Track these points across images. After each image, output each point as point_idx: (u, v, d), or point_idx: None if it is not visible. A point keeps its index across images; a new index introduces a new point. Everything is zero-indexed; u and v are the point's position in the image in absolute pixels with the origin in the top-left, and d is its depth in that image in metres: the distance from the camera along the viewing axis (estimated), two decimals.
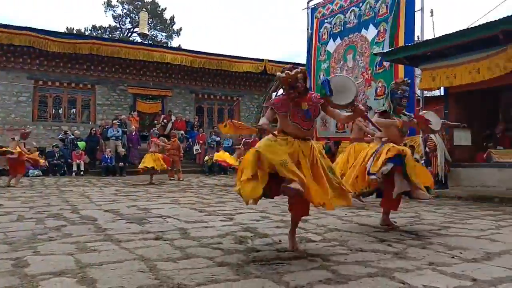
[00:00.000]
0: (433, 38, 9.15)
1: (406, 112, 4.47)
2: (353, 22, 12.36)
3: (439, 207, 6.36)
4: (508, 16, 7.27)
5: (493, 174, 8.29)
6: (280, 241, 3.55)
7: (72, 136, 14.92)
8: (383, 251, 3.25)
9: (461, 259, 3.01)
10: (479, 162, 8.88)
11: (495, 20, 7.45)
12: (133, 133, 15.57)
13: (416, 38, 10.33)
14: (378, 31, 11.37)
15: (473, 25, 7.97)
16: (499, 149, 8.81)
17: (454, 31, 8.17)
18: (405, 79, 4.73)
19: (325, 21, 13.50)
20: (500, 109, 9.95)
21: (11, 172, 9.72)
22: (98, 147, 15.06)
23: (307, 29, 14.16)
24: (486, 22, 7.71)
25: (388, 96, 4.44)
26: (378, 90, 11.22)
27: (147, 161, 10.83)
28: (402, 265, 2.80)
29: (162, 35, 34.96)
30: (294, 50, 57.69)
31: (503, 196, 7.24)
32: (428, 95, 11.48)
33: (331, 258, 2.98)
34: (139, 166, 11.08)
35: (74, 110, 17.51)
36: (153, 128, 14.16)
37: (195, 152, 16.37)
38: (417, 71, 10.09)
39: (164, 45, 28.46)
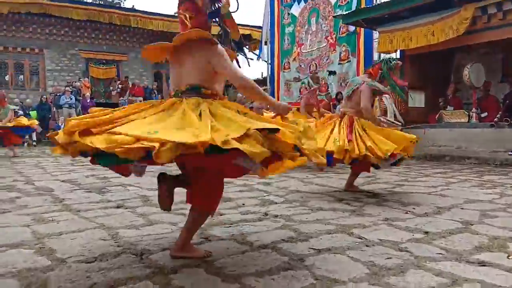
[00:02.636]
0: (389, 1, 9.24)
1: None
2: None
3: (394, 166, 6.64)
4: None
5: (444, 134, 8.74)
6: (243, 204, 3.60)
7: (21, 113, 13.81)
8: (341, 209, 3.38)
9: (414, 214, 3.19)
10: (432, 123, 9.30)
11: None
12: (88, 100, 14.92)
13: (374, 1, 10.38)
14: None
15: None
16: (449, 109, 9.24)
17: None
18: None
19: None
20: (452, 70, 10.35)
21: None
22: (50, 116, 14.33)
23: None
24: None
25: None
26: (342, 55, 11.29)
27: None
28: (359, 221, 2.94)
29: None
30: (254, 11, 56.57)
31: (452, 154, 7.67)
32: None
33: (293, 218, 3.06)
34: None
35: (21, 76, 16.45)
36: (137, 98, 13.36)
37: None
38: (375, 34, 10.23)
39: (117, 5, 26.94)
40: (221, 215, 3.18)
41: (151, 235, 2.61)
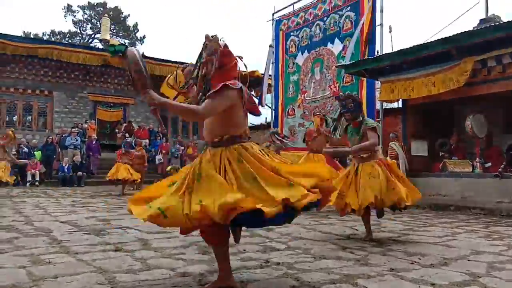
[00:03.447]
0: (391, 52, 9.51)
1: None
2: (319, 36, 12.61)
3: (399, 215, 6.53)
4: (460, 33, 7.70)
5: (448, 184, 8.65)
6: (244, 250, 3.52)
7: (26, 150, 13.98)
8: (345, 258, 3.29)
9: (420, 264, 3.09)
10: (435, 172, 9.25)
11: (449, 37, 7.86)
12: (93, 142, 15.07)
13: (376, 53, 10.69)
14: (344, 45, 11.65)
15: (428, 41, 8.37)
16: (454, 159, 9.22)
17: (411, 46, 8.54)
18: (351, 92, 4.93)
19: (291, 33, 13.70)
20: (454, 121, 10.43)
21: None
22: (54, 156, 14.42)
23: (272, 40, 14.33)
24: (440, 38, 8.13)
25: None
26: None
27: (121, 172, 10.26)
28: (364, 271, 2.85)
29: (125, 42, 34.35)
30: (260, 62, 58.32)
31: (457, 204, 7.56)
32: (387, 107, 11.87)
33: (295, 266, 2.98)
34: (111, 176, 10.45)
35: (29, 117, 16.76)
36: (130, 138, 13.59)
37: (157, 162, 16.05)
38: (378, 84, 10.44)
39: None
40: None
41: (148, 281, 2.54)
